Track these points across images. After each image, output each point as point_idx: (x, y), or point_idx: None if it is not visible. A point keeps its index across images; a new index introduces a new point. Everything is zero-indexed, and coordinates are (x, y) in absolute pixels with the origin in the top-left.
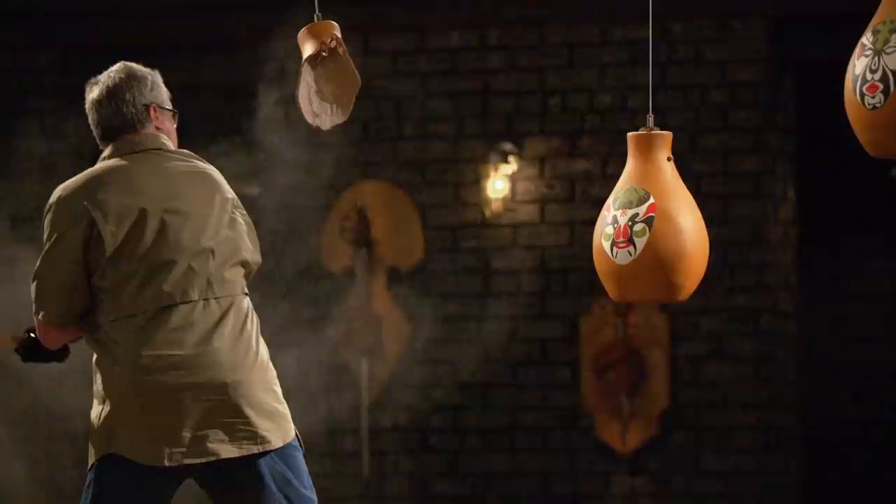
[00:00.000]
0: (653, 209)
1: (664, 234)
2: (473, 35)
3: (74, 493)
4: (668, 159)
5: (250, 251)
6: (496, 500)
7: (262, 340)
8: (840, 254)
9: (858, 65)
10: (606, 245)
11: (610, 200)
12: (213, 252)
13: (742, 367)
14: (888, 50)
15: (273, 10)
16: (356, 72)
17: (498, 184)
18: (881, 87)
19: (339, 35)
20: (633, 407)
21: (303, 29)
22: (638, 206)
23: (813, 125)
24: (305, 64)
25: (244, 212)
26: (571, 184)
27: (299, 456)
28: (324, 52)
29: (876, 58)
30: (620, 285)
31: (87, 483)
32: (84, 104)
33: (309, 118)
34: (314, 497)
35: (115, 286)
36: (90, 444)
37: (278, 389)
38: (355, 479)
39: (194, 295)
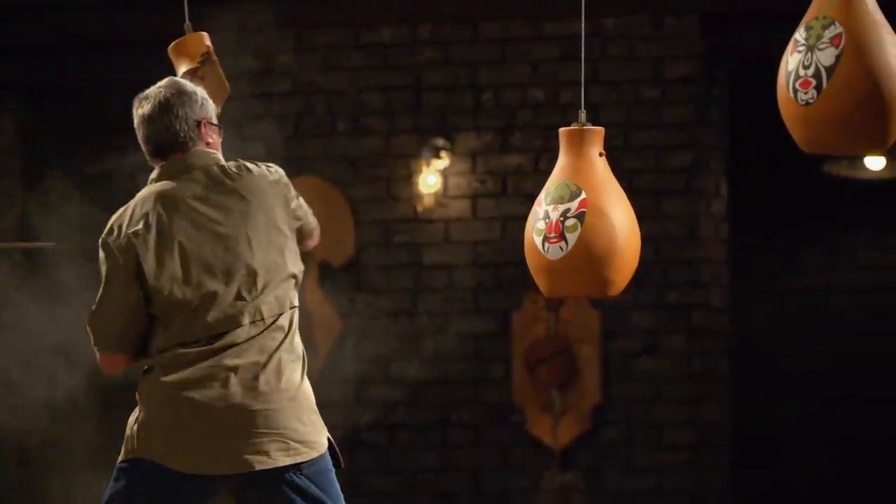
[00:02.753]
0: (584, 205)
1: (596, 229)
2: (405, 30)
3: None
4: (600, 155)
5: (295, 261)
6: (428, 496)
7: (302, 352)
8: (772, 249)
9: (791, 61)
10: (538, 240)
11: (542, 196)
12: (257, 275)
13: (674, 362)
14: (821, 46)
15: (202, 4)
16: (226, 81)
17: (430, 179)
18: (814, 83)
19: (210, 45)
20: (564, 402)
21: (175, 42)
22: (570, 201)
23: (745, 121)
24: (185, 75)
25: (300, 205)
26: (503, 179)
27: (331, 474)
28: (199, 62)
29: (809, 54)
30: (552, 280)
31: (112, 476)
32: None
33: None
34: None
35: (163, 316)
36: (123, 445)
37: (312, 403)
38: None
39: (244, 320)
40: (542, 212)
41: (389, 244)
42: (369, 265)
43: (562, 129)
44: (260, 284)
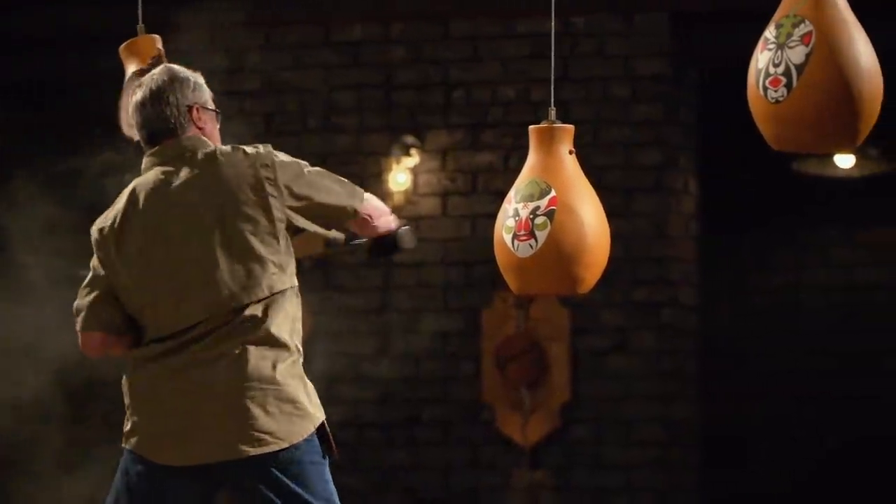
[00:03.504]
0: (554, 202)
1: (565, 227)
2: (376, 28)
3: None
4: (570, 152)
5: (272, 247)
6: (397, 494)
7: (283, 340)
8: (742, 248)
9: (761, 59)
10: (507, 238)
11: (511, 193)
12: (219, 266)
13: (643, 360)
14: (791, 44)
15: (171, 2)
16: None
17: (400, 176)
18: (784, 80)
19: (162, 49)
20: (534, 400)
21: (126, 42)
22: (539, 199)
23: (715, 119)
24: (133, 76)
25: (307, 182)
26: (474, 177)
27: (311, 466)
28: (149, 64)
29: (779, 51)
30: (521, 278)
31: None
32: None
33: (124, 129)
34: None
35: (133, 312)
36: None
37: (289, 393)
38: None
39: (208, 312)
40: (512, 209)
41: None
42: (339, 262)
43: (531, 127)
44: (221, 276)
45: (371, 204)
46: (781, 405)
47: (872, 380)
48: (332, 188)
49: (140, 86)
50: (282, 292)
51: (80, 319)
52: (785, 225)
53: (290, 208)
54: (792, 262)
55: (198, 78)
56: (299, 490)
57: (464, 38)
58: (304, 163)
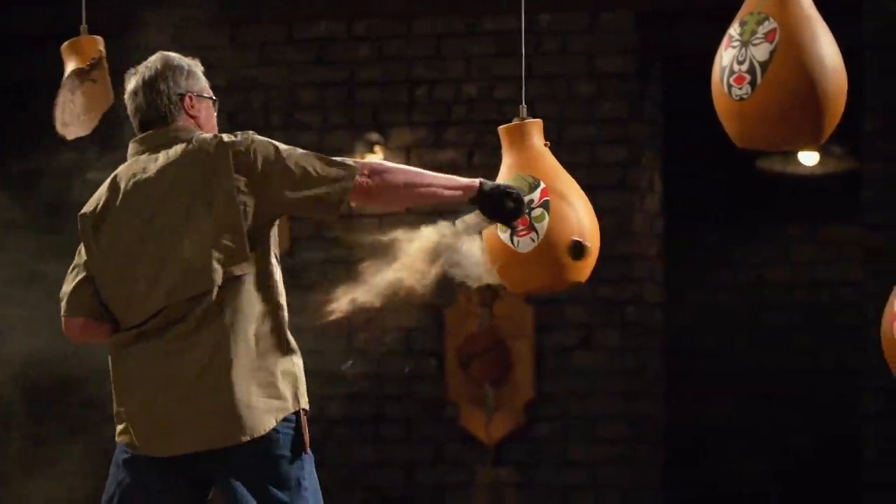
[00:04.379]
0: (545, 193)
1: (562, 214)
2: (340, 26)
3: None
4: (546, 145)
5: (235, 234)
6: (361, 491)
7: (245, 330)
8: (706, 245)
9: (726, 56)
10: (505, 237)
11: None
12: (181, 256)
13: (608, 357)
14: (755, 41)
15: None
16: (111, 89)
17: None
18: (748, 78)
19: (103, 51)
20: (498, 397)
21: (69, 42)
22: (530, 192)
23: (680, 116)
24: (71, 75)
25: (283, 168)
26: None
27: (276, 459)
28: (89, 65)
29: (743, 49)
30: (525, 274)
31: None
32: None
33: (58, 127)
34: (286, 500)
35: (107, 301)
36: None
37: (268, 383)
38: None
39: (168, 301)
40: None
41: (323, 238)
42: (303, 260)
43: (503, 127)
44: (186, 262)
45: (364, 177)
46: (745, 402)
47: (835, 377)
48: (309, 174)
49: (133, 74)
50: (243, 278)
51: (63, 304)
52: (749, 222)
53: (262, 195)
54: (756, 259)
55: (193, 66)
56: (261, 481)
57: (427, 36)
58: (285, 148)
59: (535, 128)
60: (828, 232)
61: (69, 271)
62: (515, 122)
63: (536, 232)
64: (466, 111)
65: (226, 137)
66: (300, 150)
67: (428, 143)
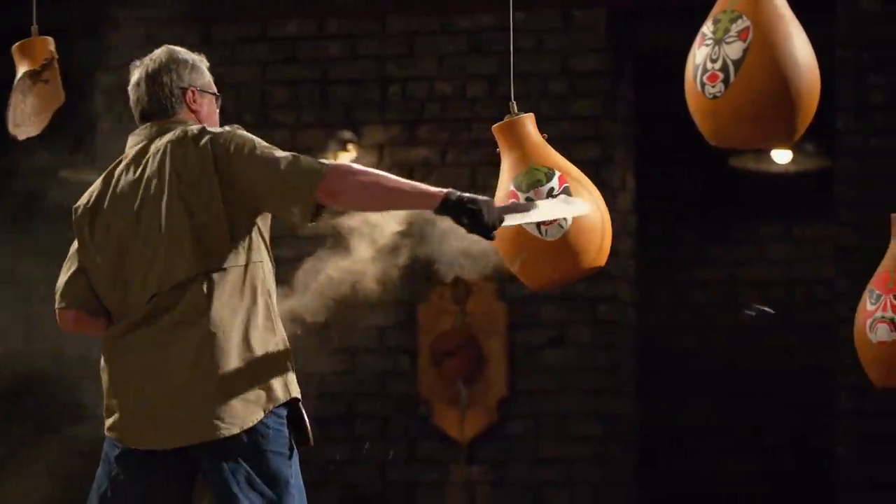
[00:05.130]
0: (563, 180)
1: (584, 199)
2: (312, 23)
3: None
4: (543, 136)
5: (218, 230)
6: (335, 489)
7: (223, 324)
8: (678, 242)
9: (699, 54)
10: (532, 227)
11: (512, 188)
12: (162, 250)
13: (581, 355)
14: (728, 39)
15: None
16: (62, 90)
17: None
18: (721, 76)
19: (54, 50)
20: (471, 395)
21: (20, 43)
22: (549, 181)
23: (653, 114)
24: (24, 77)
25: (251, 161)
26: (410, 172)
27: (257, 455)
28: (41, 66)
29: (716, 47)
30: (552, 262)
31: None
32: None
33: (10, 127)
34: (273, 498)
35: (102, 292)
36: None
37: (256, 375)
38: None
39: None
40: (524, 200)
41: (295, 236)
42: (276, 257)
43: (498, 125)
44: (167, 255)
45: (331, 176)
46: (719, 401)
47: (810, 376)
48: (278, 168)
49: (137, 66)
50: (230, 270)
51: (56, 297)
52: (722, 220)
53: (235, 186)
54: (729, 257)
55: (198, 61)
56: (242, 474)
57: (400, 34)
58: (263, 144)
59: (530, 121)
60: (802, 230)
61: (64, 264)
62: (508, 118)
63: (565, 218)
64: (440, 109)
65: (208, 129)
66: (277, 150)
67: (401, 142)
